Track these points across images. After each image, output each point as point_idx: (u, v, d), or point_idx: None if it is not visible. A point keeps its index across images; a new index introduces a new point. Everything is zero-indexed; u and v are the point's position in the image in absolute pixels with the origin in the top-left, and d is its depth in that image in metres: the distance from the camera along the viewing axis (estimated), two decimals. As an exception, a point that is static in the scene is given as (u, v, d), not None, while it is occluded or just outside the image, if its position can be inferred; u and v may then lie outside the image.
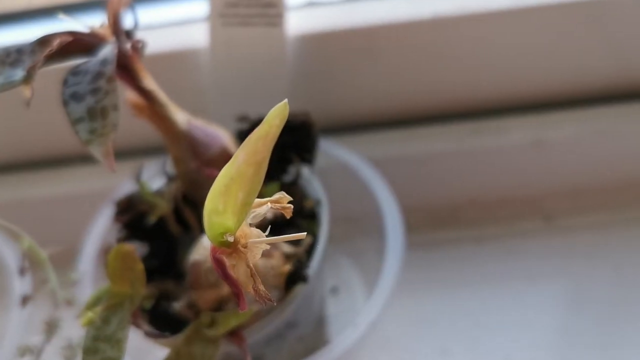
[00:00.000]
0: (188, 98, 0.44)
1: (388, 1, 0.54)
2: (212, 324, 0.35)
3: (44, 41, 0.37)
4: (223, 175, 0.24)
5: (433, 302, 0.56)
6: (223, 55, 0.52)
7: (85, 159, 0.58)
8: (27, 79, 0.35)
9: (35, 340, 0.44)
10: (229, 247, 0.26)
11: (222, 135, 0.43)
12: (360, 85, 0.57)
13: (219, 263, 0.26)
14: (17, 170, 0.58)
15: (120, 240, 0.42)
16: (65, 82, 0.35)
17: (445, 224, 0.61)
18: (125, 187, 0.46)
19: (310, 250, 0.41)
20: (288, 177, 0.43)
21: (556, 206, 0.59)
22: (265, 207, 0.26)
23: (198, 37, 0.52)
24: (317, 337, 0.47)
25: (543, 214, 0.59)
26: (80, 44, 0.37)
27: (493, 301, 0.55)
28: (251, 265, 0.26)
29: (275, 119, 0.24)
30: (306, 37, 0.53)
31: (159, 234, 0.42)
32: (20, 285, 0.46)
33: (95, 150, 0.33)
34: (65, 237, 0.46)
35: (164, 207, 0.41)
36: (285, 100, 0.24)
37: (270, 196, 0.33)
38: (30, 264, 0.48)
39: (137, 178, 0.42)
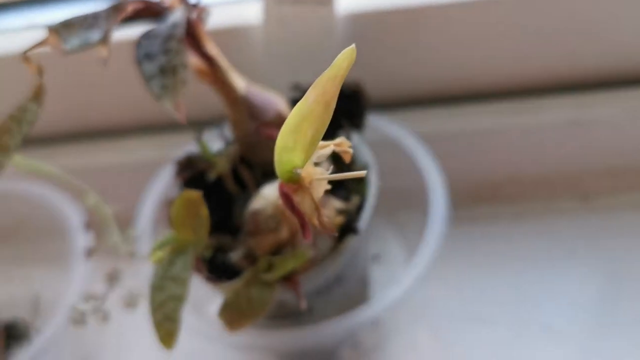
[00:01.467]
0: (242, 73, 0.46)
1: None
2: (269, 268, 0.38)
3: (117, 7, 0.40)
4: (294, 114, 0.27)
5: (473, 274, 0.58)
6: (276, 32, 0.55)
7: (143, 130, 0.62)
8: (104, 39, 0.38)
9: (98, 289, 0.47)
10: (295, 182, 0.29)
11: (278, 101, 0.45)
12: (405, 64, 0.59)
13: (286, 197, 0.28)
14: (84, 139, 0.62)
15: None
16: (138, 45, 0.38)
17: (484, 200, 0.63)
18: (184, 152, 0.49)
19: (358, 210, 0.43)
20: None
21: (594, 185, 0.61)
22: (328, 149, 0.29)
23: (253, 14, 0.55)
24: (360, 296, 0.49)
25: (580, 192, 0.61)
26: (150, 10, 0.40)
27: (532, 274, 0.57)
28: (316, 199, 0.28)
29: (343, 62, 0.27)
30: (354, 16, 0.56)
31: (217, 191, 0.45)
32: (84, 239, 0.49)
33: (167, 103, 0.36)
34: (123, 202, 0.50)
35: (222, 166, 0.44)
36: (353, 45, 0.27)
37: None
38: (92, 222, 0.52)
39: (198, 139, 0.45)
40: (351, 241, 0.40)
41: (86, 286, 0.47)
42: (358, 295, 0.48)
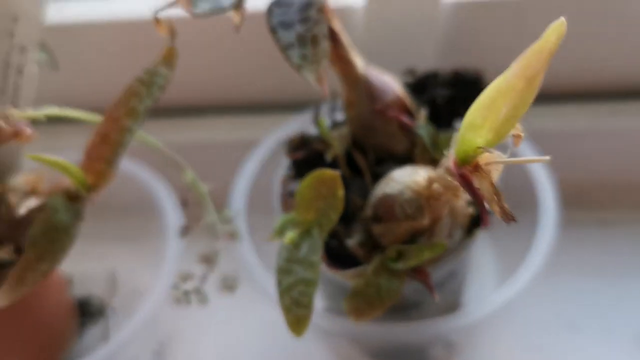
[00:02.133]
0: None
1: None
2: (398, 257, 0.36)
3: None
4: (490, 89, 0.25)
5: (561, 279, 0.56)
6: (379, 15, 0.53)
7: (229, 110, 0.60)
8: (238, 4, 0.36)
9: (194, 270, 0.45)
10: (472, 164, 0.26)
11: (395, 84, 0.43)
12: (502, 56, 0.57)
13: (465, 179, 0.26)
14: (175, 115, 0.60)
15: (289, 177, 0.43)
16: (270, 12, 0.36)
17: (570, 204, 0.61)
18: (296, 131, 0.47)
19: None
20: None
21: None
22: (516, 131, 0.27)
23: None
24: (460, 295, 0.47)
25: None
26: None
27: (620, 282, 0.55)
28: (495, 183, 0.26)
29: (552, 35, 0.24)
30: (456, 4, 0.54)
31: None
32: (180, 217, 0.47)
33: (308, 75, 0.34)
34: (214, 180, 0.48)
35: (338, 148, 0.42)
36: (563, 18, 0.25)
37: (445, 144, 0.34)
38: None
39: (315, 118, 0.43)
40: (479, 235, 0.38)
41: (180, 266, 0.45)
42: (459, 295, 0.46)
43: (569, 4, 0.53)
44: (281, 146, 0.48)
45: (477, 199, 0.26)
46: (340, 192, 0.34)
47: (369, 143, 0.43)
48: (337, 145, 0.42)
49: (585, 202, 0.61)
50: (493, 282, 0.55)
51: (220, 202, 0.49)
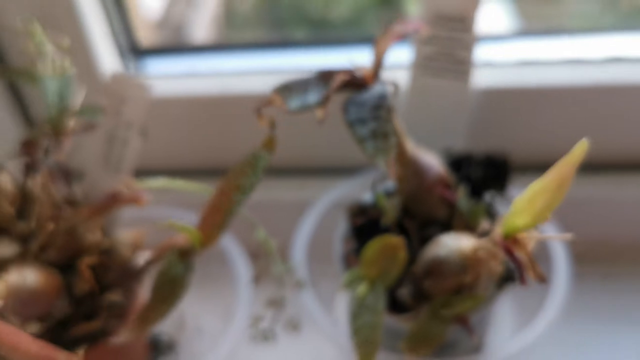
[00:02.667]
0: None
1: (554, 66, 0.65)
2: (444, 306, 0.45)
3: (323, 75, 0.48)
4: (531, 188, 0.34)
5: (573, 327, 0.64)
6: (418, 99, 0.63)
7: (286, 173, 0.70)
8: (322, 103, 0.46)
9: (263, 313, 0.54)
10: (513, 239, 0.36)
11: (437, 162, 0.53)
12: (525, 135, 0.67)
13: (508, 249, 0.36)
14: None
15: (349, 238, 0.52)
16: (346, 110, 0.46)
17: (578, 260, 0.70)
18: (328, 198, 0.58)
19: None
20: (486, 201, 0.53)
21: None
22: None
23: (402, 81, 0.63)
24: (485, 338, 0.56)
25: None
26: (354, 82, 0.48)
27: (624, 329, 0.64)
28: (530, 253, 0.36)
29: (577, 151, 0.34)
30: (484, 91, 0.64)
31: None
32: (251, 268, 0.56)
33: (380, 162, 0.43)
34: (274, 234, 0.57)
35: (391, 215, 0.51)
36: (585, 139, 0.34)
37: (479, 214, 0.44)
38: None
39: (374, 190, 0.52)
40: (507, 288, 0.47)
41: (252, 311, 0.54)
42: (482, 339, 0.55)
43: (576, 95, 0.63)
44: (334, 206, 0.57)
45: (517, 264, 0.35)
46: (402, 254, 0.43)
47: (415, 211, 0.52)
48: (391, 213, 0.51)
49: (590, 258, 0.70)
50: (508, 327, 0.63)
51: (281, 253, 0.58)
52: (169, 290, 0.44)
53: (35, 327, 0.46)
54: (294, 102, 0.46)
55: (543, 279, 0.35)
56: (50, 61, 0.55)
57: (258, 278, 0.56)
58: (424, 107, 0.63)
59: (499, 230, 0.37)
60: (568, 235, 0.36)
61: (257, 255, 0.56)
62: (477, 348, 0.55)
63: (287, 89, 0.47)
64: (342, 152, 0.64)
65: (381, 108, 0.45)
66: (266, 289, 0.55)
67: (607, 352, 0.62)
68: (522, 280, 0.36)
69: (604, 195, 0.68)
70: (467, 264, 0.43)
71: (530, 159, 0.67)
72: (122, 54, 0.70)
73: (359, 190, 0.62)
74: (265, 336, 0.51)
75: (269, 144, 0.44)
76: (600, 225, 0.69)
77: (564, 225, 0.68)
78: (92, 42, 0.64)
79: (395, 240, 0.43)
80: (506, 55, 0.67)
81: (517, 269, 0.36)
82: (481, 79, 0.63)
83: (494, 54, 0.67)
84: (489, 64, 0.66)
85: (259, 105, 0.46)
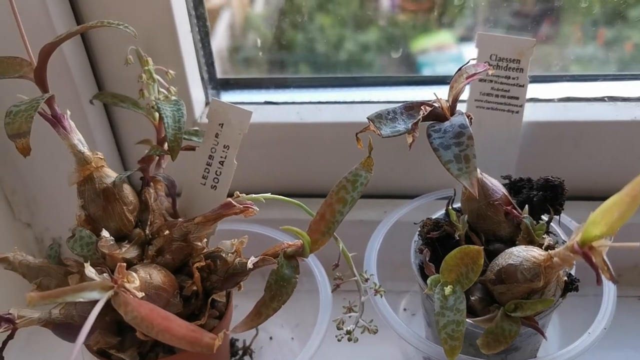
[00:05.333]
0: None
1: (594, 104, 0.73)
2: (515, 309, 0.51)
3: (408, 106, 0.56)
4: (609, 200, 0.41)
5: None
6: (474, 131, 0.70)
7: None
8: (411, 130, 0.53)
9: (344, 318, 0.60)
10: (589, 247, 0.43)
11: (501, 185, 0.60)
12: (568, 165, 0.74)
13: (585, 255, 0.43)
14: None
15: (422, 249, 0.59)
16: (429, 135, 0.53)
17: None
18: (393, 218, 0.65)
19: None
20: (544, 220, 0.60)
21: None
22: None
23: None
24: (538, 345, 0.63)
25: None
26: (434, 114, 0.55)
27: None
28: (605, 258, 0.42)
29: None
30: (531, 124, 0.71)
31: (449, 248, 0.59)
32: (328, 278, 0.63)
33: (464, 182, 0.50)
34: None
35: (462, 230, 0.58)
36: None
37: (540, 231, 0.51)
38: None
39: (448, 207, 0.59)
40: (568, 296, 0.54)
41: (333, 315, 0.60)
42: (537, 345, 0.61)
43: (614, 131, 0.71)
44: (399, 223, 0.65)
45: (594, 268, 0.42)
46: (481, 261, 0.50)
47: (480, 228, 0.59)
48: (461, 228, 0.58)
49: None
50: (556, 339, 0.70)
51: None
52: (279, 289, 0.50)
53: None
54: (386, 130, 0.54)
55: (615, 280, 0.42)
56: (156, 89, 0.62)
57: (338, 286, 0.62)
58: (479, 137, 0.70)
59: (576, 239, 0.43)
60: (635, 244, 0.42)
61: (337, 265, 0.63)
62: (532, 355, 0.61)
63: (379, 118, 0.55)
64: (394, 180, 0.72)
65: (463, 135, 0.52)
66: (340, 295, 0.62)
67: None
68: (598, 281, 0.42)
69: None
70: (539, 271, 0.50)
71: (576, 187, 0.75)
72: (204, 84, 0.78)
73: (414, 212, 0.70)
74: (349, 337, 0.57)
75: (367, 164, 0.51)
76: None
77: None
78: (187, 73, 0.72)
79: (475, 250, 0.50)
80: (552, 93, 0.75)
81: (594, 271, 0.42)
82: (529, 113, 0.71)
83: (541, 92, 0.75)
84: (532, 99, 0.74)
85: (359, 131, 0.53)
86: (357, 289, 0.56)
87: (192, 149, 0.62)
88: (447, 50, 0.86)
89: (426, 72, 0.87)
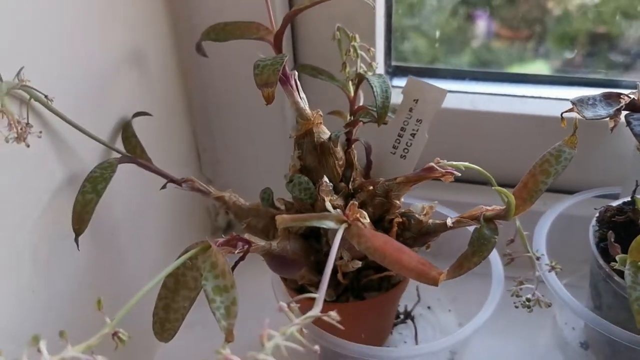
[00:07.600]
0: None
1: None
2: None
3: (606, 95, 0.59)
4: None
5: None
6: None
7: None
8: (613, 115, 0.57)
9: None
10: None
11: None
12: None
13: None
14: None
15: (602, 232, 0.62)
16: (629, 123, 0.57)
17: None
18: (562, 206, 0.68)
19: None
20: None
21: None
22: None
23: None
24: None
25: None
26: (630, 103, 0.59)
27: None
28: None
29: None
30: None
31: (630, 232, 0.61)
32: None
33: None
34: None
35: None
36: None
37: None
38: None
39: (634, 196, 0.62)
40: None
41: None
42: None
43: None
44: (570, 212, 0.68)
45: None
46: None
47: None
48: (649, 214, 0.61)
49: None
50: None
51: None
52: (480, 246, 0.55)
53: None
54: (588, 113, 0.58)
55: None
56: (358, 64, 0.69)
57: (512, 260, 0.66)
58: None
59: None
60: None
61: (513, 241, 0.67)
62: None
63: (580, 102, 0.59)
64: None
65: (660, 124, 0.56)
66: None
67: None
68: None
69: None
70: None
71: None
72: (386, 69, 0.84)
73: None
74: (527, 304, 0.60)
75: (571, 142, 0.55)
76: None
77: None
78: (377, 57, 0.78)
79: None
80: None
81: None
82: None
83: None
84: None
85: (564, 111, 0.58)
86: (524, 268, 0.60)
87: (385, 122, 0.68)
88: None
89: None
